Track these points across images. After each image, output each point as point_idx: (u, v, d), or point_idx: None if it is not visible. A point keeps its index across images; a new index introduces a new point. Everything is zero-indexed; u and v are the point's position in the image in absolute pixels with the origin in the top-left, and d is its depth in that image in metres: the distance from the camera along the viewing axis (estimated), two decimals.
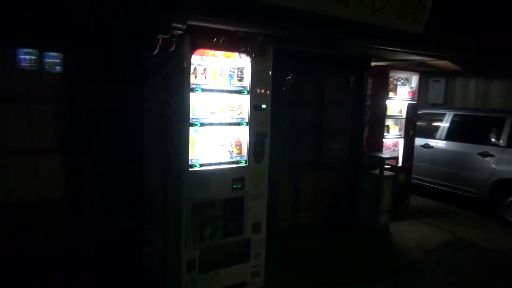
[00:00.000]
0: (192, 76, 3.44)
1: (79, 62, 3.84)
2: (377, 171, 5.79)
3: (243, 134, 3.80)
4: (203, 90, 3.52)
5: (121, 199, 4.11)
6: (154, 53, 3.01)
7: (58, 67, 3.78)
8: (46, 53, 3.69)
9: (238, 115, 3.77)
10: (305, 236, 5.31)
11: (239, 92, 3.73)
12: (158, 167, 3.73)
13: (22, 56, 3.61)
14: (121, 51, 3.86)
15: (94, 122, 3.98)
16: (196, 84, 3.48)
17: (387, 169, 5.87)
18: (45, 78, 3.74)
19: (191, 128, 3.49)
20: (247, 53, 3.64)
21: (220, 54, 3.59)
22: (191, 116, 3.47)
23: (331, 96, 5.76)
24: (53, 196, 3.84)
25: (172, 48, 3.11)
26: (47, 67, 3.72)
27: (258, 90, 3.79)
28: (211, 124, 3.61)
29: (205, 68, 3.54)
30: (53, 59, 3.74)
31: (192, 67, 3.43)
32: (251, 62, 3.70)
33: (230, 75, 3.69)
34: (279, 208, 5.28)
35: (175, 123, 3.50)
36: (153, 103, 3.91)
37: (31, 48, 3.64)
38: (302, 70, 5.34)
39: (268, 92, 3.86)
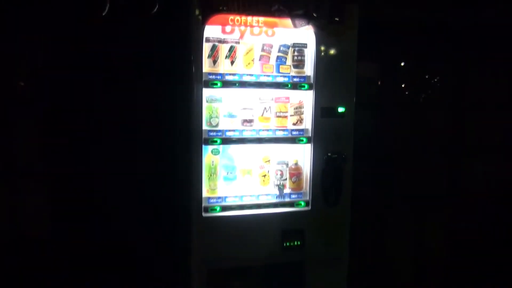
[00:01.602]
0: (208, 61, 2.09)
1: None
2: None
3: (302, 157, 2.29)
4: (227, 83, 2.13)
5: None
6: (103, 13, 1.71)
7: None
8: None
9: (294, 124, 2.27)
10: None
11: (295, 85, 2.22)
12: None
13: None
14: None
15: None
16: (215, 74, 2.10)
17: None
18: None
19: (207, 148, 2.13)
20: (310, 18, 2.12)
21: (258, 21, 2.13)
22: (207, 128, 2.12)
23: (479, 93, 3.73)
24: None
25: (155, 10, 1.79)
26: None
27: (331, 83, 2.23)
28: (244, 140, 2.19)
29: (232, 46, 2.14)
30: None
31: (207, 46, 2.07)
32: (316, 34, 2.16)
33: (279, 58, 2.22)
34: (381, 270, 3.50)
35: (183, 138, 2.19)
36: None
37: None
38: (421, 51, 3.41)
39: (350, 87, 2.28)
